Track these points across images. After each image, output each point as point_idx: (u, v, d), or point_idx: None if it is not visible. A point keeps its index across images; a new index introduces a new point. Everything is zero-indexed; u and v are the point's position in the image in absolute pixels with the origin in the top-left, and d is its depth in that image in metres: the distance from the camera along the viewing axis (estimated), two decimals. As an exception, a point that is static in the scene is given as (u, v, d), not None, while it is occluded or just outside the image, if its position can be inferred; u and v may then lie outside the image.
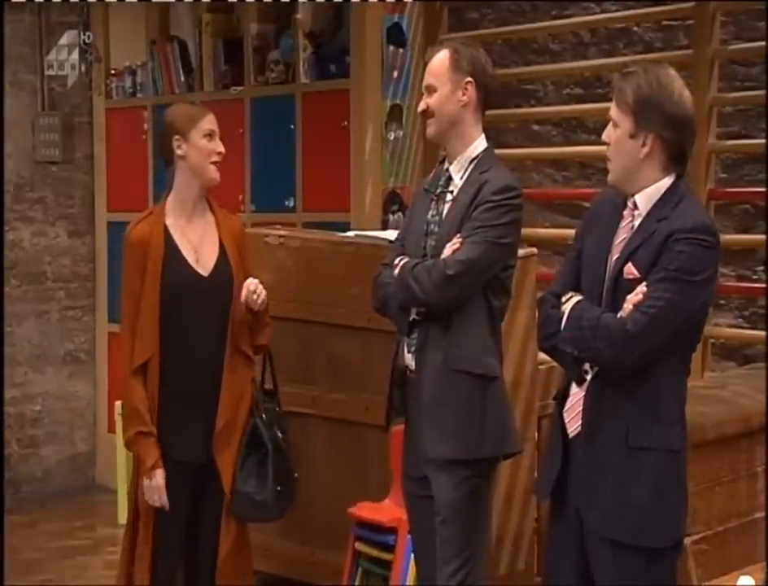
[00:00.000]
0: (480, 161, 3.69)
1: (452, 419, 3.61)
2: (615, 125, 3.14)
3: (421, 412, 3.65)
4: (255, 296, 4.01)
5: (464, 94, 3.69)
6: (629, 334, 3.01)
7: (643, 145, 3.09)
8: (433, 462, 3.63)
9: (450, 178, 3.72)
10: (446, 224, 3.66)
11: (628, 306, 3.06)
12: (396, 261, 3.70)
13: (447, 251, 3.59)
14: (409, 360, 3.70)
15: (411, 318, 3.68)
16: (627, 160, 3.12)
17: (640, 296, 3.04)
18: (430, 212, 3.72)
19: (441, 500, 3.62)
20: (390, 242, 4.76)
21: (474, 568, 3.64)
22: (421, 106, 3.77)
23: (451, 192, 3.69)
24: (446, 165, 3.75)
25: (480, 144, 3.72)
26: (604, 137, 3.18)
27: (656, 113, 3.07)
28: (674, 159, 3.12)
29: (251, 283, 4.03)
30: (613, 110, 3.15)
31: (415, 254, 3.69)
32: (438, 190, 3.73)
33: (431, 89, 3.72)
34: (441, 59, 3.72)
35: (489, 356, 3.64)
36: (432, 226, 3.70)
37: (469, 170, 3.69)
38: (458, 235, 3.59)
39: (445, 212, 3.69)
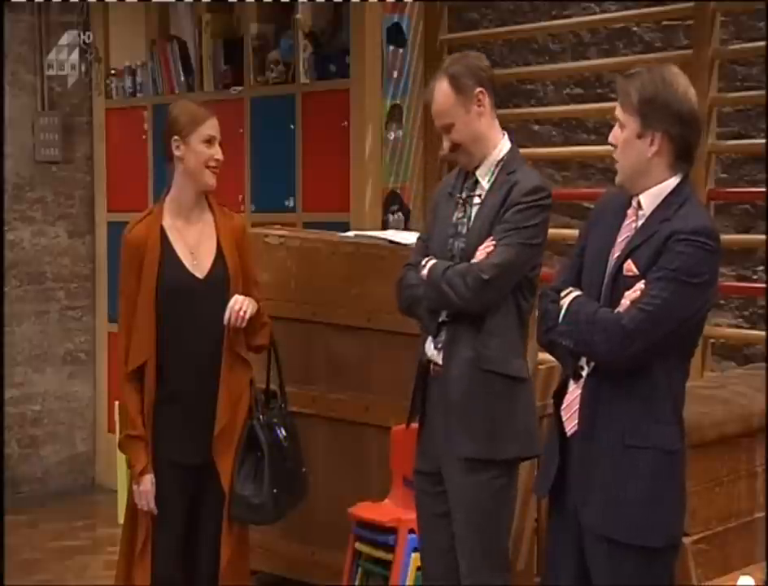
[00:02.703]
0: (506, 162, 3.69)
1: (480, 418, 3.62)
2: (621, 127, 3.14)
3: (448, 408, 3.65)
4: (242, 313, 3.98)
5: (479, 106, 3.68)
6: (624, 329, 3.02)
7: (651, 144, 3.10)
8: (456, 460, 3.64)
9: (476, 182, 3.71)
10: (475, 226, 3.65)
11: (626, 302, 3.07)
12: (423, 262, 3.69)
13: (481, 254, 3.59)
14: (435, 355, 3.70)
15: (440, 320, 3.68)
16: (635, 160, 3.12)
17: (638, 293, 3.05)
18: (456, 215, 3.72)
19: (463, 499, 3.64)
20: (391, 242, 4.79)
21: (493, 567, 3.67)
22: (446, 147, 3.73)
23: (479, 195, 3.69)
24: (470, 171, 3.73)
25: (504, 146, 3.73)
26: (610, 139, 3.19)
27: (663, 111, 3.08)
28: (682, 157, 3.13)
29: (237, 302, 4.00)
30: (619, 112, 3.15)
31: (441, 255, 3.68)
32: (465, 194, 3.72)
33: (449, 127, 3.69)
34: (444, 93, 3.68)
35: (519, 358, 3.67)
36: (459, 228, 3.69)
37: (496, 173, 3.69)
38: (490, 238, 3.59)
39: (473, 214, 3.68)
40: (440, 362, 3.68)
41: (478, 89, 3.67)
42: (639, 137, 3.11)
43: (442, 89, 3.69)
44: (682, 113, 3.10)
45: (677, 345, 3.10)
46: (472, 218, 3.68)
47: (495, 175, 3.69)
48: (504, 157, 3.71)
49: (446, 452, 3.66)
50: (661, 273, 3.03)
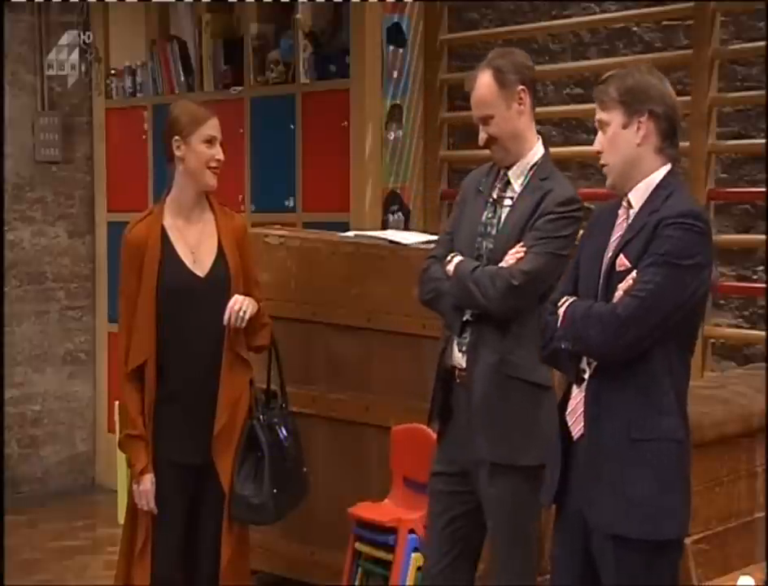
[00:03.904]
0: (540, 167, 3.66)
1: (503, 423, 3.59)
2: (604, 126, 3.17)
3: (471, 411, 3.63)
4: (241, 314, 3.97)
5: (520, 104, 3.65)
6: (619, 318, 3.02)
7: (638, 129, 3.12)
8: (481, 464, 3.62)
9: (508, 183, 3.68)
10: (505, 229, 3.62)
11: (618, 293, 3.07)
12: (449, 258, 3.67)
13: (510, 259, 3.56)
14: (459, 358, 3.67)
15: (465, 318, 3.65)
16: (624, 153, 3.14)
17: (630, 282, 3.05)
18: (486, 214, 3.68)
19: (490, 503, 3.63)
20: (391, 242, 4.79)
21: (523, 569, 3.67)
22: (482, 138, 3.68)
23: (511, 198, 3.66)
24: (502, 169, 3.71)
25: (538, 150, 3.69)
26: (596, 146, 3.21)
27: (644, 93, 3.12)
28: (668, 138, 3.15)
29: (236, 302, 3.99)
30: (599, 114, 3.18)
31: (467, 253, 3.65)
32: (496, 194, 3.69)
33: (487, 119, 3.65)
34: (486, 84, 3.64)
35: (544, 366, 3.60)
36: (489, 229, 3.66)
37: (529, 176, 3.66)
38: (520, 244, 3.57)
39: (504, 216, 3.65)
40: (464, 365, 3.65)
41: (521, 87, 3.64)
42: (625, 127, 3.13)
43: (484, 80, 3.65)
44: (663, 92, 3.15)
45: (675, 334, 3.09)
46: (502, 220, 3.65)
47: (528, 178, 3.65)
48: (538, 161, 3.67)
49: (472, 457, 3.65)
50: (651, 259, 3.03)
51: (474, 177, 3.84)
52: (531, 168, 3.67)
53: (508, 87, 3.63)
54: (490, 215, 3.68)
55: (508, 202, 3.67)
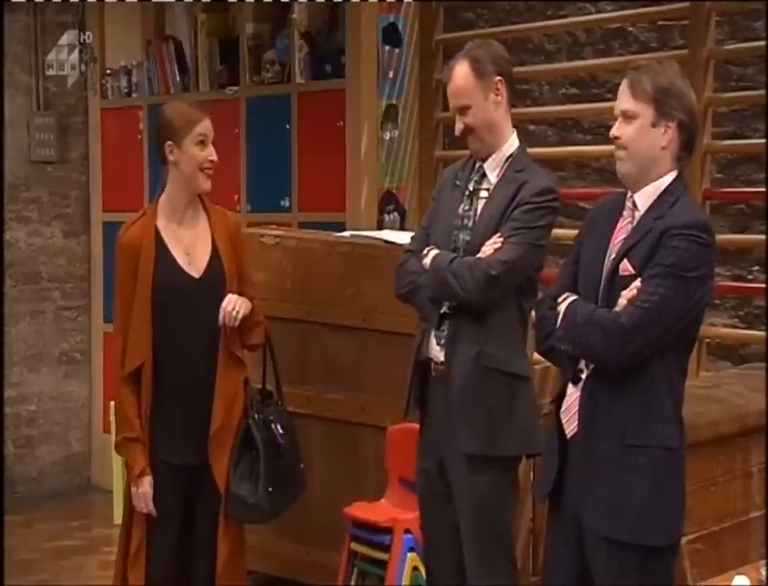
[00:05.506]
0: (515, 160, 3.68)
1: (481, 415, 3.60)
2: (631, 117, 3.13)
3: (448, 404, 3.63)
4: (234, 314, 3.97)
5: (497, 94, 3.67)
6: (622, 328, 3.02)
7: (665, 133, 3.11)
8: (458, 457, 3.62)
9: (484, 175, 3.69)
10: (482, 221, 3.63)
11: (622, 301, 3.07)
12: (426, 251, 3.67)
13: (488, 249, 3.56)
14: (437, 352, 3.68)
15: (442, 311, 3.66)
16: (648, 151, 3.12)
17: (634, 292, 3.05)
18: (462, 207, 3.69)
19: (466, 497, 3.63)
20: (386, 242, 4.78)
21: (499, 566, 3.67)
22: (458, 129, 3.70)
23: (487, 189, 3.67)
24: (477, 162, 3.71)
25: (513, 142, 3.71)
26: (614, 132, 3.16)
27: (678, 99, 3.10)
28: (686, 148, 3.15)
29: (229, 302, 3.99)
30: (628, 102, 3.14)
31: (444, 246, 3.66)
32: (472, 186, 3.70)
33: (464, 109, 3.66)
34: (463, 74, 3.65)
35: (521, 357, 3.65)
36: (465, 221, 3.67)
37: (505, 168, 3.67)
38: (497, 234, 3.57)
39: (480, 208, 3.66)
40: (442, 358, 3.66)
41: (498, 78, 3.66)
42: (654, 125, 3.11)
43: (462, 70, 3.66)
44: (691, 103, 3.14)
45: (676, 341, 3.10)
46: (478, 212, 3.66)
47: (503, 170, 3.67)
48: (513, 153, 3.69)
49: (449, 449, 3.65)
50: (656, 269, 3.03)
51: (451, 170, 3.86)
52: (507, 160, 3.69)
53: (485, 77, 3.65)
54: (466, 207, 3.69)
55: (484, 194, 3.68)
